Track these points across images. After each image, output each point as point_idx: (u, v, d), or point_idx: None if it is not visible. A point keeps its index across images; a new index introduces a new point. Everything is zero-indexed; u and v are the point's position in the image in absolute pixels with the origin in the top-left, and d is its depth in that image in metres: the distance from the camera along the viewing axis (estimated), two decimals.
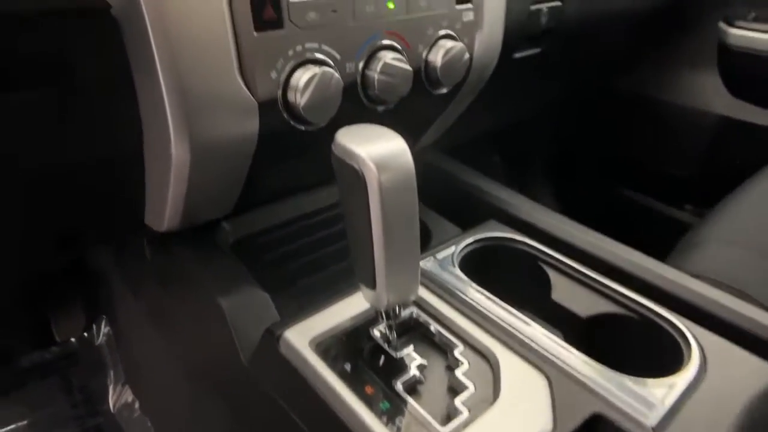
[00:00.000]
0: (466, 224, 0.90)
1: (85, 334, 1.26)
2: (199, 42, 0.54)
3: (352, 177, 0.49)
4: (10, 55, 0.52)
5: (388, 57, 0.66)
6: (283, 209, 0.85)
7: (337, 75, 0.62)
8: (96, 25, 0.55)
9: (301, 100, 0.60)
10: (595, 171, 1.74)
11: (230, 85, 0.57)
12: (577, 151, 1.77)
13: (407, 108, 0.77)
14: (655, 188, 1.58)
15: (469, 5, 0.76)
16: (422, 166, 1.02)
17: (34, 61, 0.54)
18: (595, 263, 0.75)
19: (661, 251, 0.83)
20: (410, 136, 0.95)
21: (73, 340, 1.26)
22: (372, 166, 0.47)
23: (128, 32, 0.54)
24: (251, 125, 0.61)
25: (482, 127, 1.37)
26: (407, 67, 0.68)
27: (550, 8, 1.00)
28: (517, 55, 1.03)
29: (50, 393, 1.20)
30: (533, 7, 0.96)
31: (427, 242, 0.85)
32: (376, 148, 0.48)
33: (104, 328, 1.26)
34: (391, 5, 0.67)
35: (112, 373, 1.22)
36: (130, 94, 0.59)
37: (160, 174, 0.63)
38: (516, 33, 0.97)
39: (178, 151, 0.59)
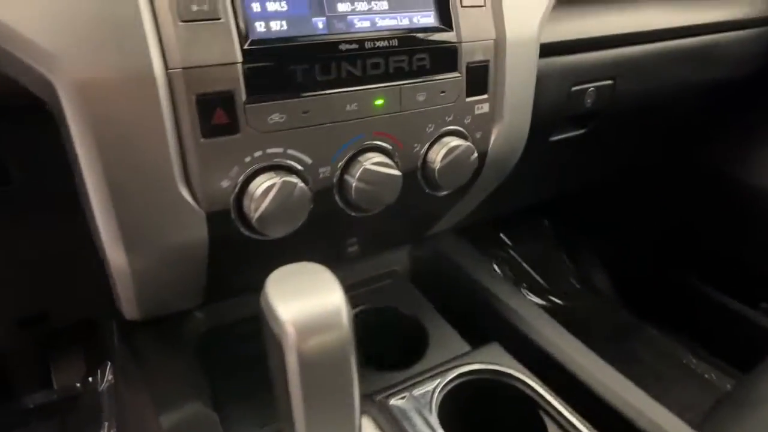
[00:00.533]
0: (472, 330, 0.78)
1: (90, 378, 1.24)
2: (133, 148, 0.47)
3: (272, 339, 0.40)
4: None
5: (370, 161, 0.57)
6: None
7: (301, 185, 0.53)
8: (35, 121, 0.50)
9: (254, 213, 0.52)
10: (656, 253, 1.55)
11: (171, 195, 0.50)
12: (636, 230, 1.58)
13: (402, 208, 0.68)
14: (725, 280, 1.37)
15: (484, 96, 0.66)
16: (431, 253, 0.93)
17: None
18: (614, 421, 0.61)
19: (724, 352, 0.68)
20: (410, 232, 0.86)
21: (78, 384, 1.24)
22: (292, 332, 0.38)
23: (61, 128, 0.49)
24: (198, 234, 0.53)
25: (515, 204, 1.25)
26: (394, 172, 0.58)
27: (599, 88, 0.87)
28: (555, 138, 0.90)
29: None
30: (575, 88, 0.84)
31: (422, 350, 0.75)
32: (303, 307, 0.39)
33: (108, 375, 1.24)
34: (379, 102, 0.57)
35: (106, 424, 1.18)
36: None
37: (109, 270, 0.57)
38: (552, 116, 0.85)
39: (114, 257, 0.52)
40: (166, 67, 0.47)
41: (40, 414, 1.25)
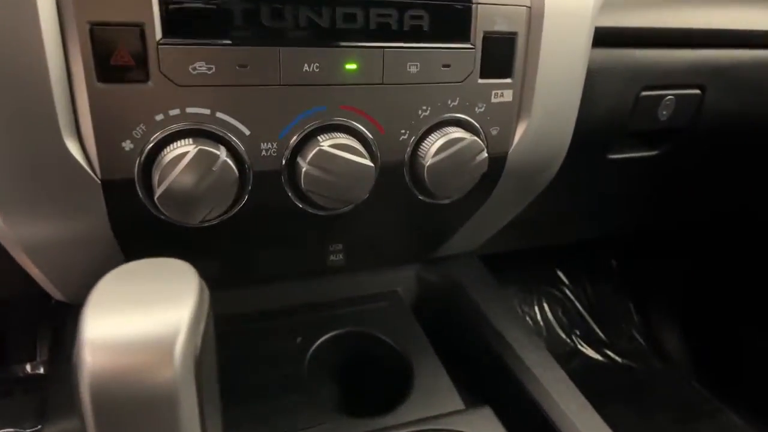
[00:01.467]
0: (473, 380, 0.62)
1: None
2: (14, 87, 0.37)
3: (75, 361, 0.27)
4: None
5: (330, 141, 0.43)
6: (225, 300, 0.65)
7: (226, 158, 0.40)
8: None
9: (158, 186, 0.40)
10: (745, 318, 1.27)
11: (54, 148, 0.39)
12: (722, 285, 1.32)
13: (392, 214, 0.53)
14: None
15: (505, 80, 0.50)
16: (441, 277, 0.77)
17: None
18: None
19: None
20: (412, 247, 0.70)
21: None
22: (87, 359, 0.25)
23: None
24: (95, 208, 0.42)
25: (569, 235, 1.05)
26: (362, 161, 0.44)
27: (680, 97, 0.68)
28: (615, 156, 0.72)
29: None
30: (646, 93, 0.65)
31: (405, 392, 0.59)
32: (121, 324, 0.26)
33: None
34: (350, 66, 0.44)
35: None
36: None
37: None
38: (611, 127, 0.67)
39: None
40: None
41: (25, 384, 1.21)
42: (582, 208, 0.82)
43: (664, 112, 0.68)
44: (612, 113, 0.64)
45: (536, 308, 1.41)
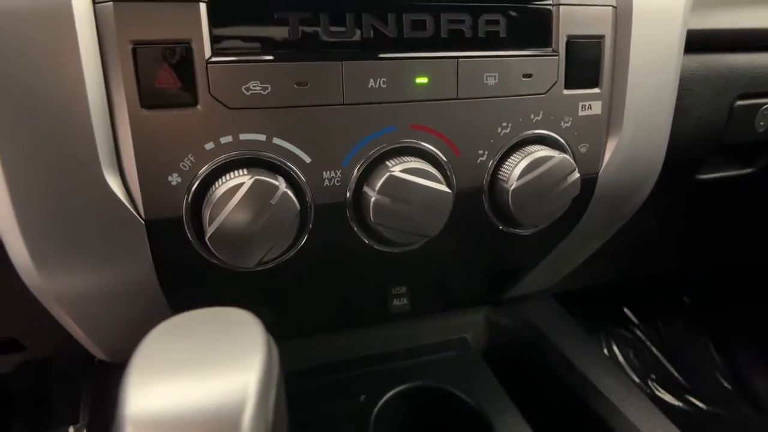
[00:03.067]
0: None
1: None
2: (38, 112, 0.32)
3: None
4: None
5: (401, 166, 0.38)
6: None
7: (285, 190, 0.35)
8: None
9: (209, 225, 0.34)
10: None
11: (94, 188, 0.34)
12: None
13: (465, 249, 0.47)
14: None
15: (593, 90, 0.44)
16: (515, 321, 0.69)
17: None
18: None
19: None
20: (483, 287, 0.63)
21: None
22: None
23: None
24: (138, 252, 0.37)
25: (643, 269, 0.95)
26: (440, 187, 0.38)
27: None
28: (705, 176, 0.64)
29: None
30: (741, 103, 0.58)
31: None
32: (169, 399, 0.20)
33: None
34: (421, 80, 0.38)
35: None
36: None
37: None
38: (703, 142, 0.59)
39: (27, 276, 0.37)
40: None
41: None
42: (662, 237, 0.73)
43: (762, 123, 0.60)
44: (704, 126, 0.57)
45: (605, 351, 1.30)
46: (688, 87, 0.53)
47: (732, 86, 0.57)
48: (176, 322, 0.24)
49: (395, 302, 0.55)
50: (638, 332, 1.34)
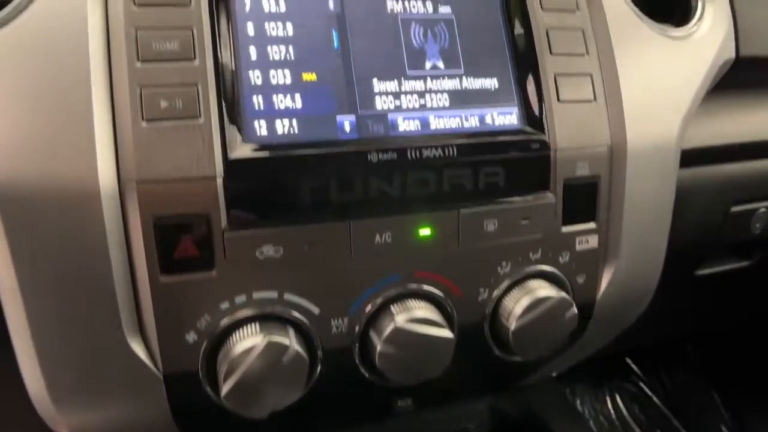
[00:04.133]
0: None
1: None
2: (66, 282, 0.35)
3: None
4: None
5: (406, 316, 0.39)
6: None
7: (296, 348, 0.37)
8: None
9: (224, 383, 0.36)
10: None
11: (117, 351, 0.36)
12: None
13: (467, 369, 0.49)
14: None
15: (589, 225, 0.46)
16: (520, 410, 0.70)
17: None
18: None
19: None
20: (487, 383, 0.64)
21: None
22: None
23: None
24: (156, 403, 0.39)
25: (641, 342, 0.96)
26: (443, 334, 0.40)
27: None
28: (704, 272, 0.65)
29: None
30: (737, 209, 0.60)
31: None
32: None
33: None
34: (425, 233, 0.40)
35: None
36: None
37: None
38: (701, 246, 0.61)
39: (44, 412, 0.39)
40: (119, 178, 0.34)
41: None
42: (658, 321, 0.75)
43: (758, 225, 0.62)
44: (701, 231, 0.59)
45: (609, 406, 1.29)
46: (684, 198, 0.55)
47: (727, 194, 0.59)
48: None
49: (399, 403, 0.57)
50: (642, 385, 1.34)
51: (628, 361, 1.37)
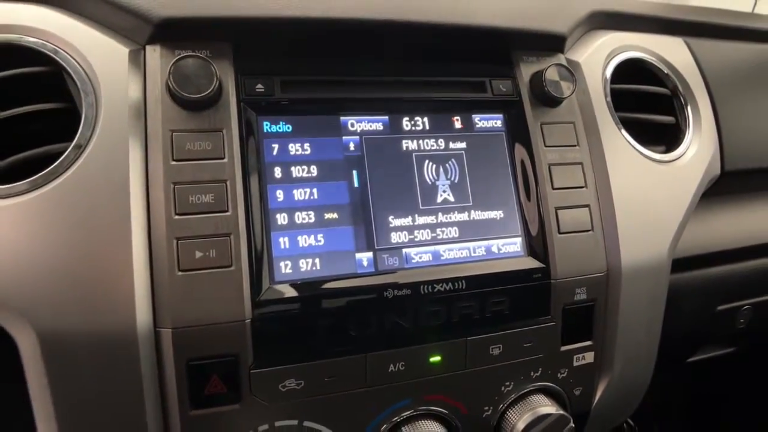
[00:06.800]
0: None
1: None
2: (102, 418, 0.37)
3: None
4: None
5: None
6: None
7: None
8: None
9: None
10: None
11: None
12: None
13: None
14: None
15: (586, 343, 0.49)
16: None
17: None
18: None
19: None
20: None
21: None
22: None
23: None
24: None
25: None
26: None
27: (758, 305, 0.65)
28: (694, 359, 0.69)
29: None
30: (723, 307, 0.63)
31: None
32: None
33: None
34: (435, 359, 0.44)
35: None
36: None
37: None
38: (690, 342, 0.64)
39: None
40: (155, 325, 0.37)
41: None
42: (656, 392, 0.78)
43: (742, 320, 0.65)
44: (691, 331, 0.62)
45: None
46: (676, 299, 0.58)
47: (713, 295, 0.62)
48: None
49: None
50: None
51: None
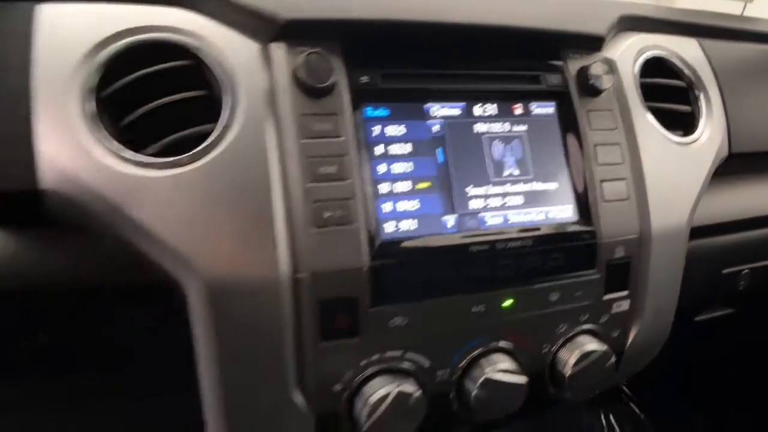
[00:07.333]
0: None
1: None
2: (252, 348, 0.46)
3: None
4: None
5: (496, 366, 0.52)
6: None
7: (417, 394, 0.49)
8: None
9: (365, 421, 0.48)
10: None
11: (283, 398, 0.48)
12: None
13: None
14: None
15: (623, 293, 0.59)
16: None
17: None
18: None
19: None
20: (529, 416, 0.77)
21: None
22: None
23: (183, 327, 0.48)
24: None
25: None
26: (520, 380, 0.53)
27: (756, 270, 0.76)
28: (700, 318, 0.79)
29: None
30: (728, 271, 0.74)
31: None
32: None
33: None
34: (507, 303, 0.53)
35: None
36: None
37: None
38: (699, 302, 0.75)
39: None
40: (294, 271, 0.46)
41: None
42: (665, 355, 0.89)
43: (742, 283, 0.76)
44: (701, 292, 0.73)
45: (603, 424, 1.43)
46: (688, 264, 0.69)
47: (720, 260, 0.73)
48: None
49: None
50: (633, 405, 1.48)
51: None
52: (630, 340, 0.61)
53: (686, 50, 0.68)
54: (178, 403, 0.53)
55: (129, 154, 0.44)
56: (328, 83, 0.48)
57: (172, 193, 0.44)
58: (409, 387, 0.49)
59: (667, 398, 1.49)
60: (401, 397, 0.48)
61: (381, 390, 0.48)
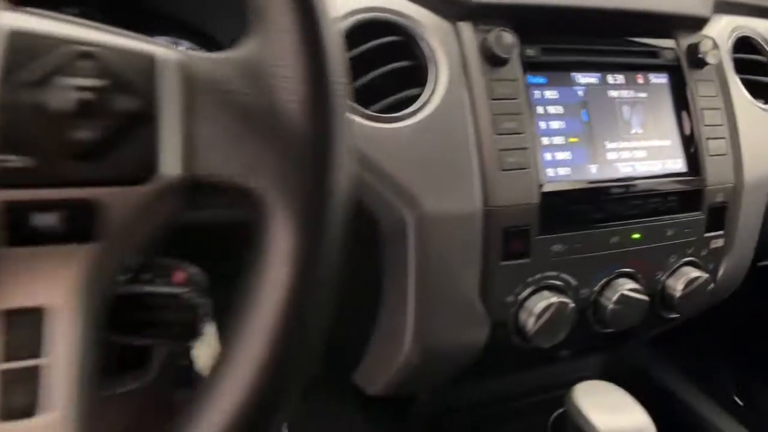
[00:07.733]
0: None
1: None
2: (449, 266, 0.59)
3: None
4: None
5: (624, 287, 0.65)
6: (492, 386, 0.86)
7: (572, 305, 0.62)
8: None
9: (533, 326, 0.61)
10: None
11: (470, 304, 0.61)
12: None
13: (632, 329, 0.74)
14: None
15: (720, 232, 0.72)
16: (625, 366, 0.96)
17: None
18: None
19: None
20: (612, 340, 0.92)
21: None
22: None
23: (389, 247, 0.61)
24: (479, 340, 0.63)
25: None
26: (644, 298, 0.66)
27: None
28: (762, 264, 0.93)
29: None
30: None
31: None
32: (617, 423, 0.47)
33: None
34: (636, 236, 0.66)
35: None
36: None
37: (388, 354, 0.68)
38: (765, 244, 0.88)
39: (409, 350, 0.63)
40: (485, 205, 0.58)
41: None
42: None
43: None
44: (765, 235, 0.86)
45: None
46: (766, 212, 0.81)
47: None
48: (588, 384, 0.51)
49: (562, 352, 0.83)
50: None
51: None
52: (721, 273, 0.74)
53: None
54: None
55: (365, 111, 0.56)
56: (509, 55, 0.60)
57: (397, 142, 0.56)
58: (566, 299, 0.62)
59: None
60: (561, 306, 0.61)
61: (544, 301, 0.61)
